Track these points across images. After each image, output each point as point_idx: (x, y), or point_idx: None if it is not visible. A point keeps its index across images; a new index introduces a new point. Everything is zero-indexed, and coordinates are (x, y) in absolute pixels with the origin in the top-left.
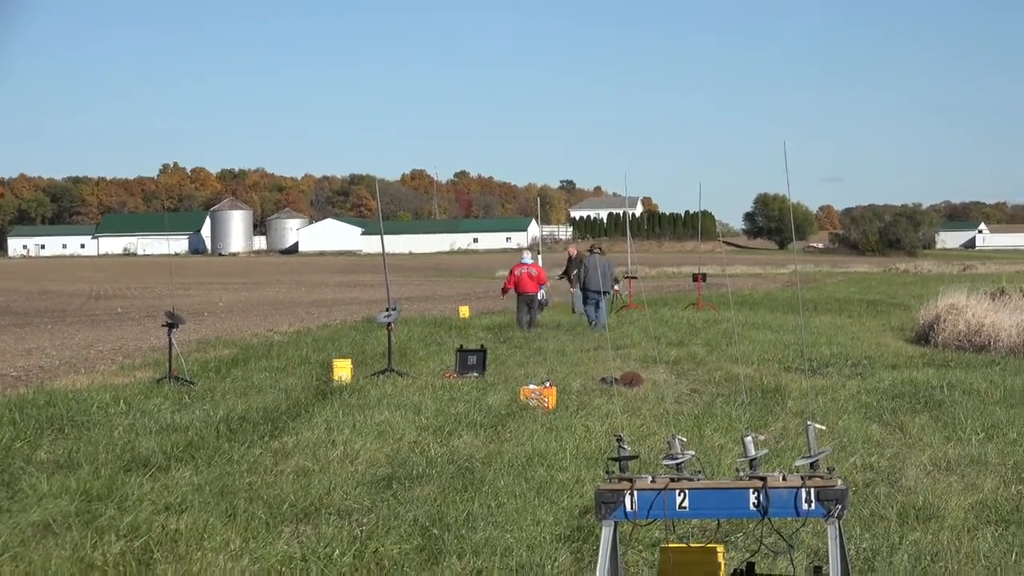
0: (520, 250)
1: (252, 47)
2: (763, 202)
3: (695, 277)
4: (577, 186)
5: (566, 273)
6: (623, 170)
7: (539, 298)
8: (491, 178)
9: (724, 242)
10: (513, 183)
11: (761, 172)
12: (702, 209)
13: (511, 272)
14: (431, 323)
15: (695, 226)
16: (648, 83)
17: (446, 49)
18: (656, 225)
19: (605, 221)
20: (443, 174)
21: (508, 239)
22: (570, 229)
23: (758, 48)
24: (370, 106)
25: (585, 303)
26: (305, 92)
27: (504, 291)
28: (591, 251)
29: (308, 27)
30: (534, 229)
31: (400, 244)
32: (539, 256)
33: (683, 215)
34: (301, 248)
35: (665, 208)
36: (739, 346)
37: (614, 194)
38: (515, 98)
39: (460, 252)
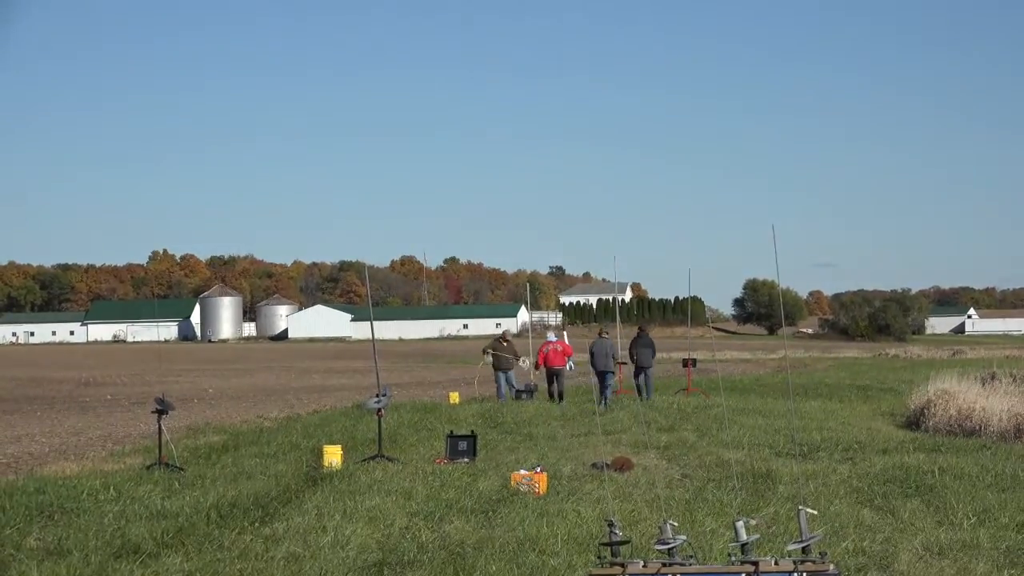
0: (547, 328)
1: (241, 132)
2: (752, 287)
3: (685, 362)
4: (566, 272)
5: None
6: (611, 256)
7: (567, 368)
8: (480, 264)
9: (714, 327)
10: (502, 269)
11: (750, 257)
12: (692, 295)
13: (540, 351)
14: (421, 409)
15: (684, 311)
16: (637, 168)
17: (435, 136)
18: (646, 310)
19: (595, 307)
20: (433, 260)
21: (498, 325)
22: (559, 315)
23: (748, 131)
24: (359, 192)
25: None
26: (294, 178)
27: (537, 367)
28: (600, 336)
29: (297, 113)
30: (523, 315)
31: (390, 330)
32: (564, 333)
33: (673, 300)
34: (291, 334)
35: (655, 293)
36: (729, 431)
37: (603, 280)
38: (505, 185)
39: (450, 338)
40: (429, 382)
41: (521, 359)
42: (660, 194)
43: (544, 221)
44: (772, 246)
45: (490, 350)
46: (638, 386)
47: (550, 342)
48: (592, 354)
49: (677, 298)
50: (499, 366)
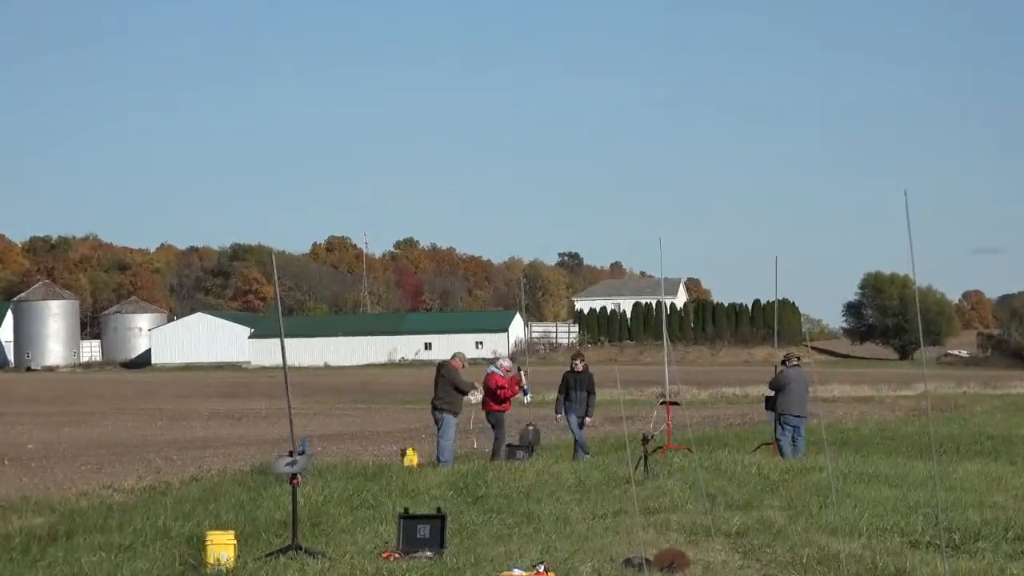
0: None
1: (64, 54)
2: (874, 286)
3: (769, 403)
4: (585, 262)
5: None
6: (655, 238)
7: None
8: (451, 251)
9: (814, 348)
10: (485, 258)
11: (870, 242)
12: (780, 297)
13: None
14: (360, 475)
15: (769, 324)
16: (693, 114)
17: (378, 54)
18: (709, 322)
19: (629, 315)
20: (378, 244)
21: (479, 344)
22: (574, 327)
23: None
24: (262, 145)
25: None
26: (161, 124)
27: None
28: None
29: (157, 31)
30: (518, 327)
31: (311, 352)
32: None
33: (749, 307)
34: (155, 358)
35: (721, 296)
36: (840, 509)
37: (642, 275)
38: (491, 131)
39: (405, 364)
40: (373, 433)
41: (471, 393)
42: (727, 152)
43: (550, 186)
44: (904, 219)
45: (477, 385)
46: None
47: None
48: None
49: (757, 302)
50: (453, 408)
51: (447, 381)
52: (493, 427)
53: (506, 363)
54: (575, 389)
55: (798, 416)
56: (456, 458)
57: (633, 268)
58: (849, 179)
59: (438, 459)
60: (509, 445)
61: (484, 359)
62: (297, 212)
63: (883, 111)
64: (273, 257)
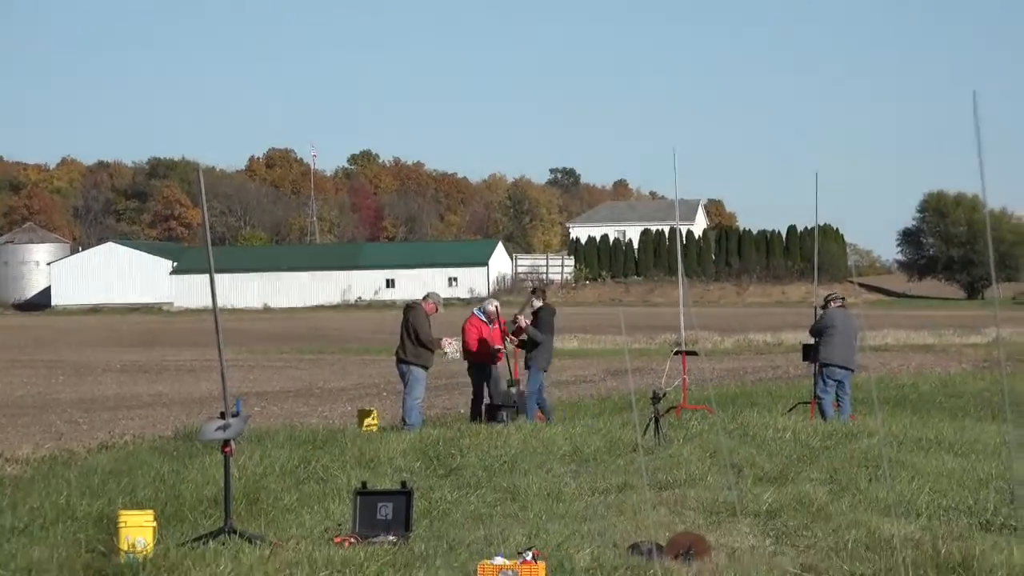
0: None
1: None
2: (935, 208)
3: (808, 352)
4: (582, 181)
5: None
6: (668, 151)
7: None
8: (420, 166)
9: (862, 285)
10: (460, 175)
11: (933, 156)
12: (821, 223)
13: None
14: (307, 442)
15: (806, 256)
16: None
17: None
18: (733, 253)
19: (636, 245)
20: (327, 159)
21: (453, 281)
22: (569, 260)
23: None
24: (186, 33)
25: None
26: (58, 8)
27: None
28: (542, 300)
29: None
30: (500, 260)
31: (248, 291)
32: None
33: (783, 234)
34: (56, 299)
35: (749, 222)
36: (894, 483)
37: (652, 196)
38: (466, 16)
39: (361, 306)
40: (323, 390)
41: (447, 345)
42: (753, 48)
43: (540, 88)
44: (972, 127)
45: (447, 345)
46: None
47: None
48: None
49: (793, 228)
50: (421, 361)
51: (411, 328)
52: (475, 384)
53: (491, 306)
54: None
55: (843, 368)
56: (425, 421)
57: (641, 188)
58: (904, 77)
59: (403, 421)
60: (489, 405)
61: (459, 299)
62: (229, 119)
63: None
64: (200, 173)
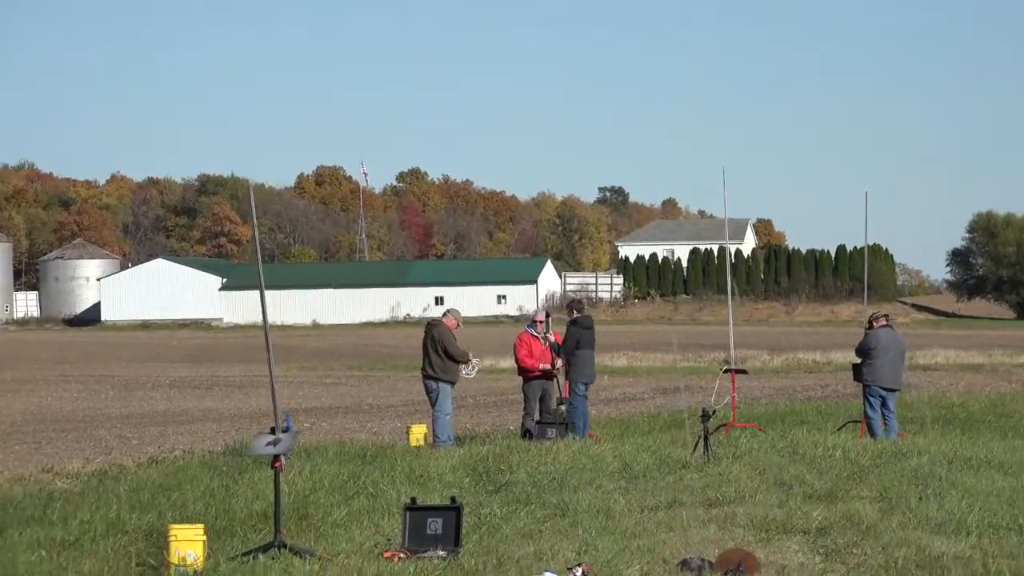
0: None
1: None
2: (986, 228)
3: (857, 372)
4: (631, 199)
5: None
6: (717, 170)
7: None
8: (469, 184)
9: (912, 305)
10: (510, 194)
11: (983, 176)
12: (870, 243)
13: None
14: (356, 457)
15: (856, 275)
16: (764, 14)
17: None
18: (783, 272)
19: (685, 264)
20: (378, 177)
21: (502, 299)
22: (618, 279)
23: None
24: (237, 51)
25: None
26: (110, 27)
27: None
28: (578, 312)
29: None
30: (550, 278)
31: (296, 308)
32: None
33: (832, 253)
34: (105, 314)
35: (798, 241)
36: (944, 502)
37: (701, 215)
38: (516, 40)
39: (410, 323)
40: (372, 406)
41: (468, 364)
42: (805, 68)
43: (590, 107)
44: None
45: (474, 358)
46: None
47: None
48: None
49: (842, 248)
50: (449, 377)
51: (438, 344)
52: (527, 400)
53: (541, 315)
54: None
55: (889, 389)
56: (457, 437)
57: (690, 207)
58: (954, 97)
59: (434, 438)
60: (539, 422)
61: (508, 317)
62: (280, 137)
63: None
64: (252, 191)
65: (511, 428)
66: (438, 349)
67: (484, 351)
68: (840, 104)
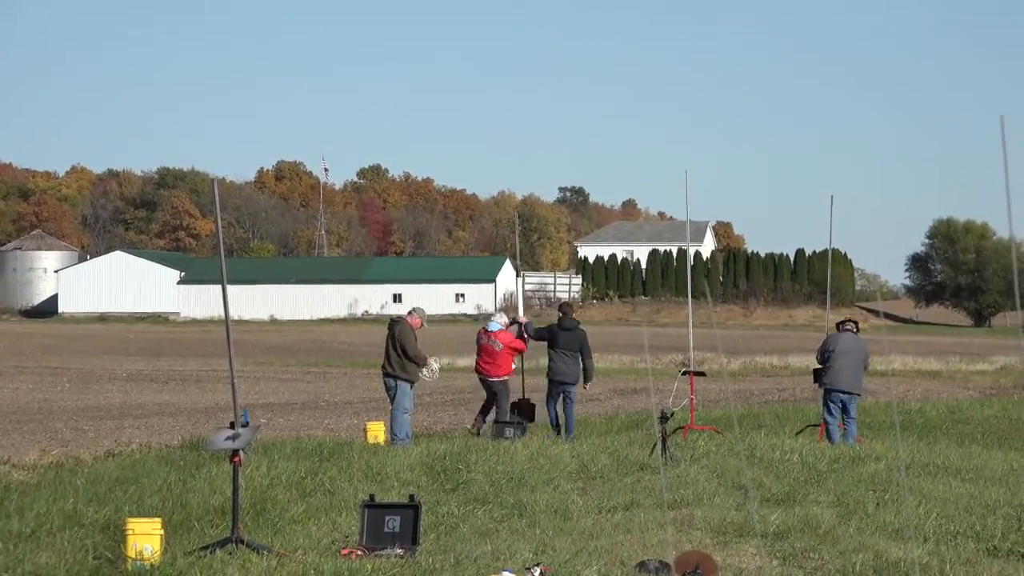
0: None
1: None
2: (945, 235)
3: (817, 376)
4: (591, 199)
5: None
6: (679, 172)
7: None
8: (430, 181)
9: (870, 311)
10: (470, 192)
11: (943, 182)
12: (833, 246)
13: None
14: (314, 453)
15: (815, 280)
16: (722, 12)
17: None
18: (741, 275)
19: (644, 265)
20: (339, 172)
21: (460, 297)
22: (576, 279)
23: None
24: (199, 43)
25: (549, 397)
26: (69, 16)
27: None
28: (562, 313)
29: None
30: (508, 277)
31: (254, 303)
32: (506, 318)
33: (791, 257)
34: (63, 306)
35: (757, 244)
36: (901, 506)
37: (661, 216)
38: (473, 33)
39: (368, 319)
40: (330, 403)
41: (428, 365)
42: (764, 68)
43: (550, 107)
44: (981, 148)
45: (433, 363)
46: (551, 416)
47: (490, 331)
48: (553, 339)
49: (801, 252)
50: (408, 376)
51: (397, 342)
52: (487, 396)
53: (504, 318)
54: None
55: (847, 393)
56: (415, 435)
57: (650, 208)
58: (916, 104)
59: (392, 436)
60: (497, 421)
61: (466, 316)
62: (240, 131)
63: (959, 19)
64: (215, 185)
65: (467, 427)
66: (397, 347)
67: (442, 350)
68: (801, 107)
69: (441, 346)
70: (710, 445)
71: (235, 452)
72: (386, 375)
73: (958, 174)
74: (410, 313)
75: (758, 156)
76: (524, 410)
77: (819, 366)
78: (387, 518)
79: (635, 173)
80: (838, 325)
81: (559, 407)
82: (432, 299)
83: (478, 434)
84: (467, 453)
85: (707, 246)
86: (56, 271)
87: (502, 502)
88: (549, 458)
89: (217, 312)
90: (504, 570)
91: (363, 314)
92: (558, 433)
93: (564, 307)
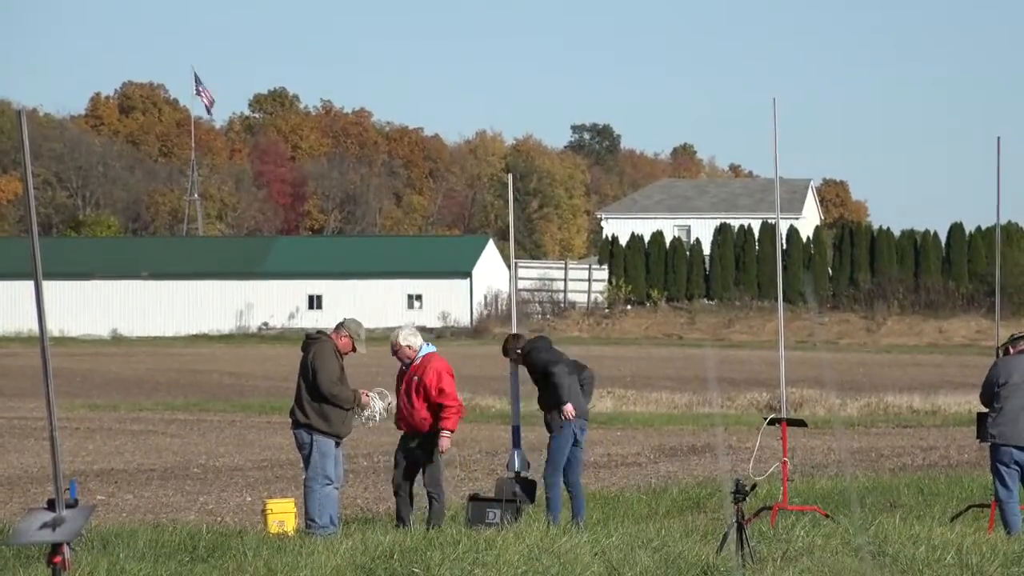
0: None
1: None
2: None
3: (982, 425)
4: (623, 145)
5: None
6: (763, 100)
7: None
8: (364, 115)
9: None
10: (430, 132)
11: None
12: (1002, 221)
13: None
14: (180, 549)
15: (979, 271)
16: None
17: None
18: (862, 266)
19: (707, 251)
20: (223, 101)
21: (415, 301)
22: (601, 270)
23: None
24: None
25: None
26: None
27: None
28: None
29: None
30: (493, 270)
31: (87, 309)
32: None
33: (941, 237)
34: None
35: (887, 217)
36: None
37: (734, 171)
38: None
39: (267, 335)
40: (207, 468)
41: (363, 404)
42: None
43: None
44: None
45: (370, 397)
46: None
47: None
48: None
49: (958, 230)
50: (329, 427)
51: (311, 373)
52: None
53: (399, 339)
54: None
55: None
56: (345, 519)
57: (717, 159)
58: None
59: (308, 521)
60: (476, 497)
61: (427, 329)
62: (61, 35)
63: None
64: (21, 117)
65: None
66: (311, 381)
67: (390, 382)
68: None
69: (389, 376)
70: (814, 536)
71: (56, 548)
72: (297, 426)
73: None
74: (337, 329)
75: (888, 82)
76: (523, 485)
77: (985, 410)
78: None
79: (693, 103)
80: (1008, 346)
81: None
82: (372, 303)
83: None
84: (427, 548)
85: (809, 219)
86: None
87: None
88: (558, 557)
89: (27, 325)
90: None
91: (260, 328)
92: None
93: (515, 340)
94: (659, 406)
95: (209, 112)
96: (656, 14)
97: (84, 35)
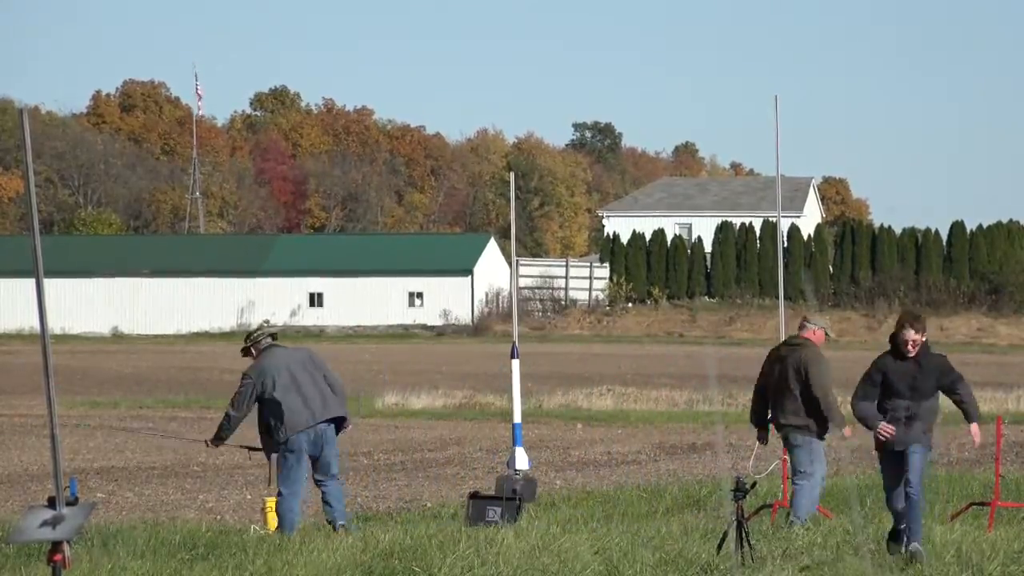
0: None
1: None
2: None
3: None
4: (625, 143)
5: None
6: (764, 97)
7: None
8: (366, 113)
9: None
10: (432, 130)
11: None
12: (1006, 218)
13: None
14: (181, 548)
15: (982, 269)
16: None
17: None
18: (863, 264)
19: (708, 248)
20: (223, 99)
21: (416, 298)
22: (602, 268)
23: None
24: None
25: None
26: None
27: None
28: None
29: None
30: (494, 268)
31: (90, 307)
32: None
33: (942, 235)
34: None
35: (888, 216)
36: None
37: (735, 170)
38: None
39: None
40: (207, 466)
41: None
42: None
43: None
44: None
45: None
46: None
47: None
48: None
49: (959, 228)
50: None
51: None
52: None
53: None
54: None
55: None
56: (356, 517)
57: (718, 157)
58: None
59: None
60: (476, 496)
61: (425, 328)
62: (65, 35)
63: None
64: (24, 116)
65: (427, 504)
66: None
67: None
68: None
69: (391, 374)
70: (814, 535)
71: (56, 546)
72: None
73: None
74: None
75: (889, 79)
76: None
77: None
78: None
79: (695, 102)
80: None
81: None
82: (373, 301)
83: None
84: (428, 546)
85: (810, 217)
86: None
87: None
88: (557, 555)
89: (28, 322)
90: None
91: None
92: None
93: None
94: (659, 404)
95: (201, 108)
96: (657, 12)
97: (85, 33)
